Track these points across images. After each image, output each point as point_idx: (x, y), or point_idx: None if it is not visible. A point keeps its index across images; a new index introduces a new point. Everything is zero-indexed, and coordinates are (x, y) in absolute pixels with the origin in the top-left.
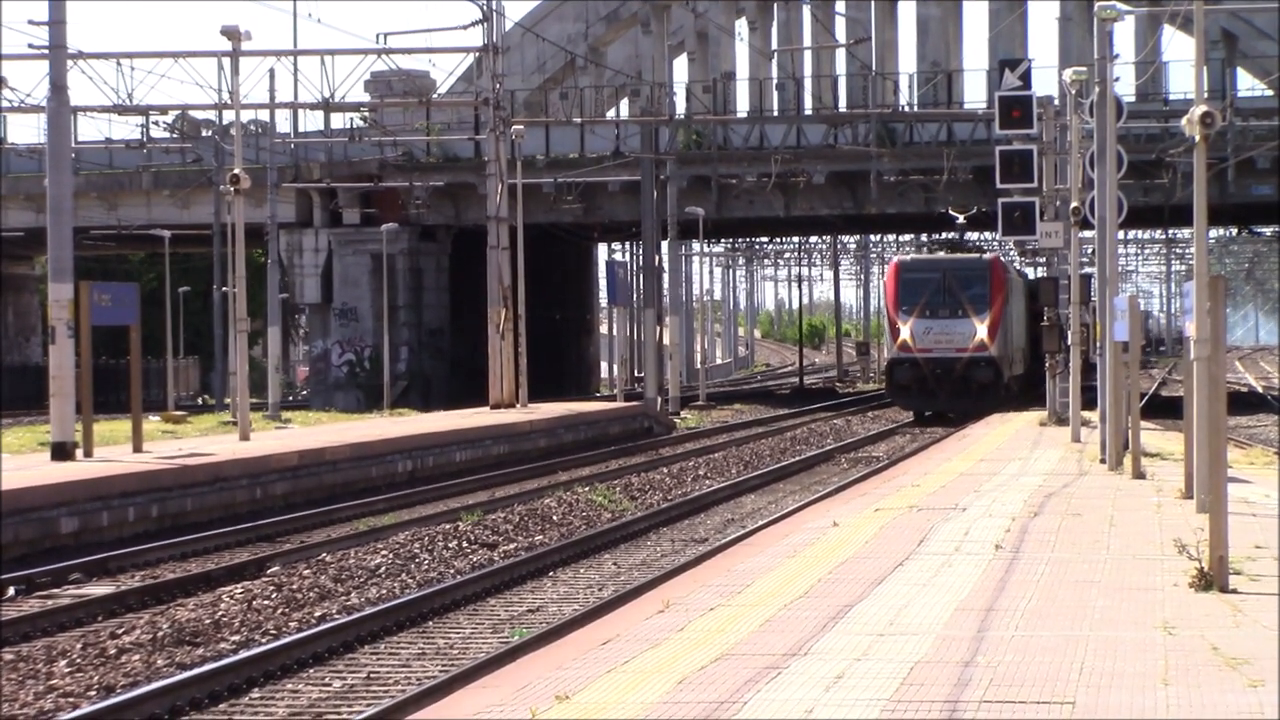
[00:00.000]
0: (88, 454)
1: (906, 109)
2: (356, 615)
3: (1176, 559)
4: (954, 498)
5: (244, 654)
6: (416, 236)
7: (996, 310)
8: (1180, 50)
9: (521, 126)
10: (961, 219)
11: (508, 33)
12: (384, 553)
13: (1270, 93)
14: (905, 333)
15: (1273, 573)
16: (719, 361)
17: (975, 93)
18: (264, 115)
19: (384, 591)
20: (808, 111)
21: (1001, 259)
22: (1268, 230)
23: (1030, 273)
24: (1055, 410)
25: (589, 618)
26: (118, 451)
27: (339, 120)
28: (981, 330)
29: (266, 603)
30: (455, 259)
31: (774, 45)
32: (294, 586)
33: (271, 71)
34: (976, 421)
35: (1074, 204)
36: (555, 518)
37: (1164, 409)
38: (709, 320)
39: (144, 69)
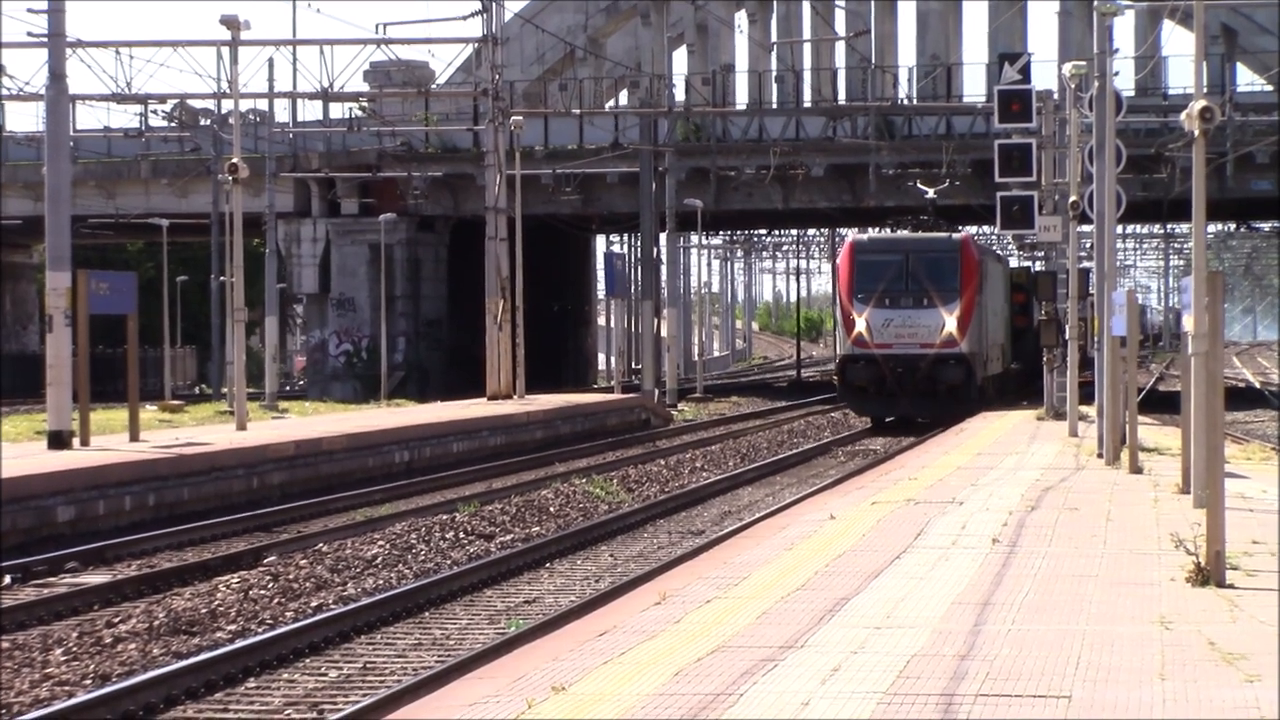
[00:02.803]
0: (84, 443)
1: (906, 102)
2: (353, 605)
3: (1173, 554)
4: (951, 491)
5: (240, 643)
6: (415, 227)
7: (968, 299)
8: (1180, 45)
9: (520, 117)
10: (931, 193)
11: (507, 24)
12: (381, 543)
13: (1269, 88)
14: (861, 325)
15: (1270, 568)
16: (716, 354)
17: (974, 86)
18: (263, 105)
19: (380, 582)
20: (807, 104)
21: (975, 239)
22: (1266, 225)
23: (1014, 262)
24: (1052, 405)
25: (585, 609)
26: (114, 440)
27: (338, 110)
28: (950, 323)
29: (263, 592)
30: (453, 250)
31: (773, 38)
32: (290, 576)
33: (270, 61)
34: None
35: (1073, 198)
36: (552, 509)
37: (1161, 404)
38: (707, 312)
39: (143, 58)
